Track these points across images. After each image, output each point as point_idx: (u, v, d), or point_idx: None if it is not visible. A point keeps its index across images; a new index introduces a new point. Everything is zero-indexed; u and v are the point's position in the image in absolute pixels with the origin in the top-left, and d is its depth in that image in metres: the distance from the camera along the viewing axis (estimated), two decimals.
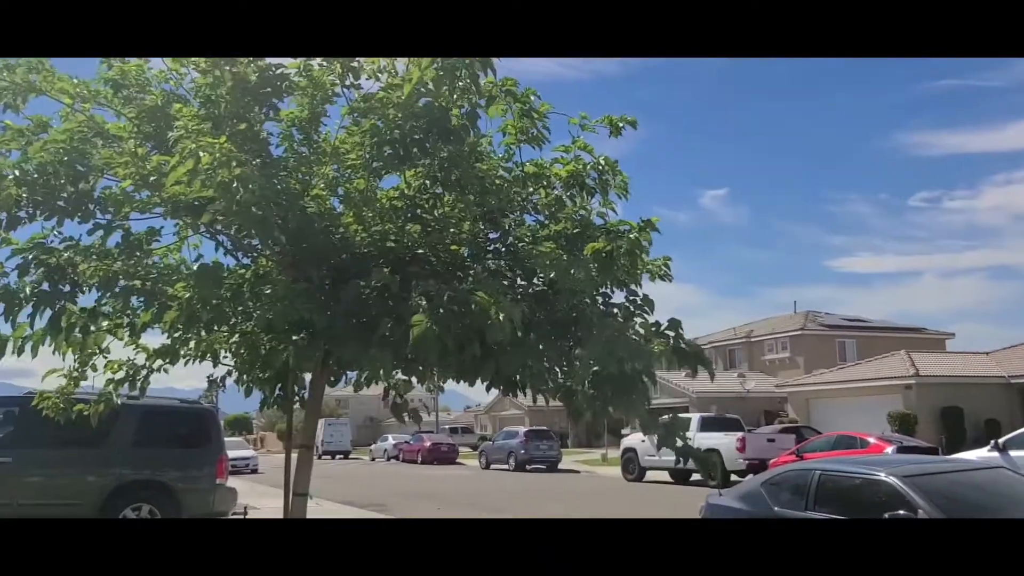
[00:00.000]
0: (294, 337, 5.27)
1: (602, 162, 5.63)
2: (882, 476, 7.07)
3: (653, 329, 5.44)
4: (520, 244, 5.78)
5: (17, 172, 5.17)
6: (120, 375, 6.37)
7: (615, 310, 5.60)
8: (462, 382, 5.66)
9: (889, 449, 20.07)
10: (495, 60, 4.83)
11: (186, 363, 6.22)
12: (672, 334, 5.41)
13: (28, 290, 5.26)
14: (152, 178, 5.20)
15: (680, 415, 6.12)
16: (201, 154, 4.47)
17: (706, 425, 25.83)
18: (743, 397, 40.95)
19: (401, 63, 5.24)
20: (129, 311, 5.85)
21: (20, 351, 5.58)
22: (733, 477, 22.59)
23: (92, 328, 5.77)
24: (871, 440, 21.32)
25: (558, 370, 5.52)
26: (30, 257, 5.37)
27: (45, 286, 5.38)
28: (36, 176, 5.23)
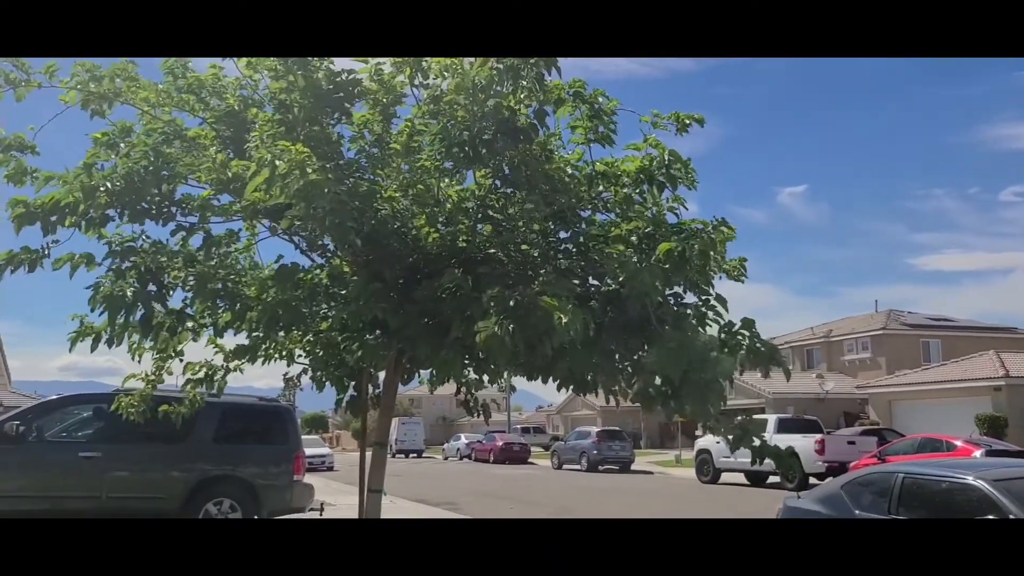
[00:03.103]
0: (368, 337, 5.35)
1: (667, 157, 5.53)
2: (971, 480, 6.80)
3: (726, 331, 5.35)
4: (591, 243, 5.75)
5: (109, 184, 5.37)
6: (200, 375, 6.58)
7: (688, 311, 5.53)
8: (534, 381, 5.66)
9: (977, 453, 19.31)
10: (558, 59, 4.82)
11: (263, 363, 6.39)
12: (747, 334, 5.31)
13: (130, 293, 5.45)
14: (232, 184, 5.35)
15: (756, 416, 6.00)
16: (277, 163, 4.56)
17: (783, 427, 25.28)
18: (821, 398, 39.98)
19: (468, 62, 5.25)
20: (211, 312, 6.03)
21: (110, 343, 5.80)
22: (812, 480, 22.07)
23: (179, 329, 5.97)
24: (958, 443, 20.55)
25: (630, 369, 5.47)
26: (124, 262, 5.58)
27: (135, 286, 5.57)
28: (123, 184, 5.42)
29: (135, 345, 6.06)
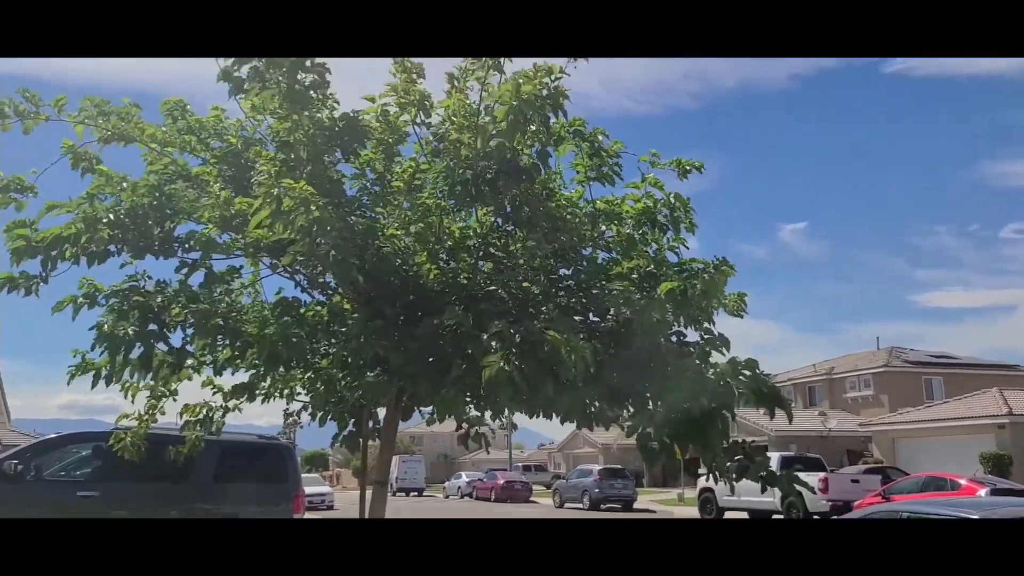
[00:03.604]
0: (368, 374, 5.34)
1: (672, 200, 5.64)
2: (975, 519, 6.74)
3: (729, 367, 5.34)
4: (592, 281, 5.77)
5: (112, 216, 5.40)
6: (199, 416, 6.56)
7: (691, 349, 5.53)
8: (535, 418, 5.65)
9: (982, 491, 19.16)
10: (564, 101, 4.86)
11: (263, 401, 6.37)
12: (749, 373, 5.31)
13: (131, 331, 5.45)
14: (235, 221, 5.38)
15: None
16: (283, 199, 4.60)
17: (786, 465, 25.06)
18: (824, 436, 39.73)
19: (474, 94, 5.30)
20: (212, 349, 6.02)
21: (109, 380, 5.79)
22: (815, 519, 21.85)
23: (179, 366, 5.96)
24: (962, 482, 20.40)
25: (630, 408, 5.46)
26: (127, 303, 5.59)
27: (136, 327, 5.57)
28: (127, 219, 5.45)
29: (128, 384, 6.06)
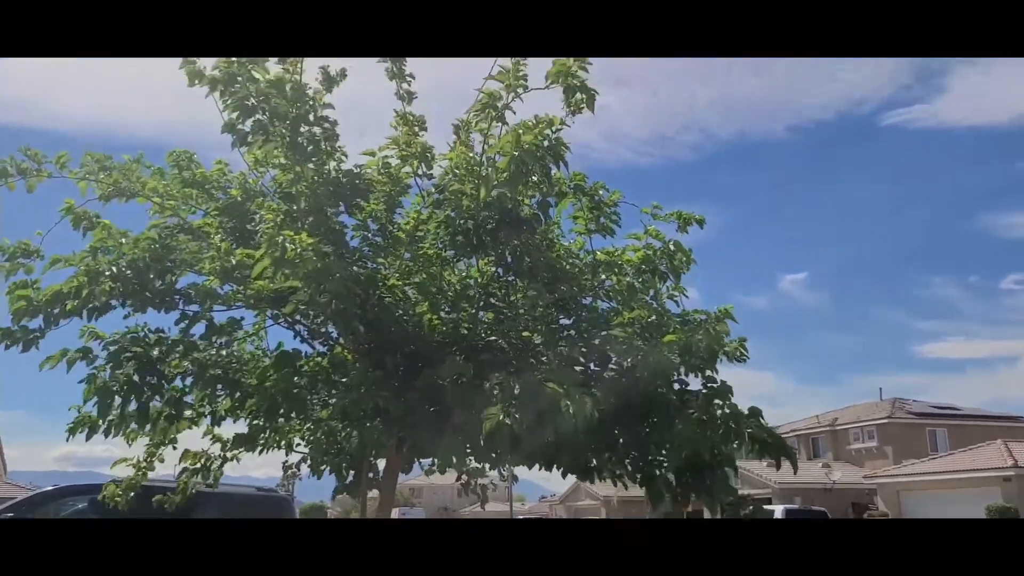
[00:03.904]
0: (368, 424, 5.31)
1: (672, 247, 5.67)
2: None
3: (733, 419, 5.32)
4: (593, 330, 5.77)
5: (114, 268, 5.42)
6: (197, 465, 6.49)
7: (693, 397, 5.50)
8: (536, 470, 5.60)
9: None
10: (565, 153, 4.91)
11: (261, 452, 6.32)
12: (752, 422, 5.28)
13: (121, 381, 5.42)
14: (236, 272, 5.39)
15: (764, 507, 5.91)
16: (288, 245, 4.61)
17: (790, 518, 24.77)
18: (828, 488, 39.32)
19: (476, 145, 5.35)
20: (211, 400, 5.99)
21: (108, 433, 5.75)
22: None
23: (176, 418, 5.92)
24: None
25: (631, 460, 5.41)
26: (124, 352, 5.57)
27: (135, 378, 5.55)
28: (128, 272, 5.47)
29: (130, 431, 6.01)
